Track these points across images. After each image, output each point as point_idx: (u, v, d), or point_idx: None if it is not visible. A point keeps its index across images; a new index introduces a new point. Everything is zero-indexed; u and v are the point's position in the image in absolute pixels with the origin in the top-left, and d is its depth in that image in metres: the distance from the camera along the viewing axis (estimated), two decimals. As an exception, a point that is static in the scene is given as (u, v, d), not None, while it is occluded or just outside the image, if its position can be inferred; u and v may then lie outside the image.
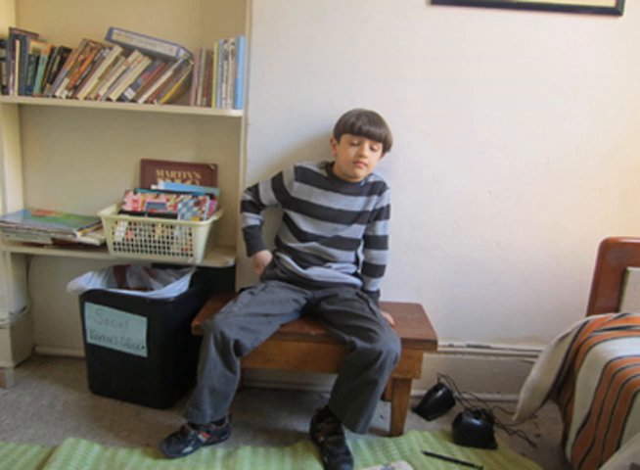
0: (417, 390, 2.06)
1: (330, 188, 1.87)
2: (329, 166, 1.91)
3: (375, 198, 1.89)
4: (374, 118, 1.81)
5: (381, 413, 1.99)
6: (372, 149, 1.81)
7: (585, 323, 1.68)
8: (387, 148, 1.86)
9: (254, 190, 1.94)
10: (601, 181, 2.02)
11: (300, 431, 1.89)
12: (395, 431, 1.87)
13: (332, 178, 1.88)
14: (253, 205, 1.94)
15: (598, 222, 2.04)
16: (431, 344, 1.78)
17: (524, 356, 2.14)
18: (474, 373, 2.16)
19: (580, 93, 1.96)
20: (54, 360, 2.28)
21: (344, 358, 1.68)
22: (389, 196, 1.92)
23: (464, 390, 2.14)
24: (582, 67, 1.94)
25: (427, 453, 1.75)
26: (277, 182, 1.91)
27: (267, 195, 1.92)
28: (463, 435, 1.84)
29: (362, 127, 1.77)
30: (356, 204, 1.88)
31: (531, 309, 2.12)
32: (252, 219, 1.93)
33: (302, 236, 1.88)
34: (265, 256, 1.93)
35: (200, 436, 1.72)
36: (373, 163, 1.83)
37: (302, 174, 1.88)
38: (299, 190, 1.88)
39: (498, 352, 2.15)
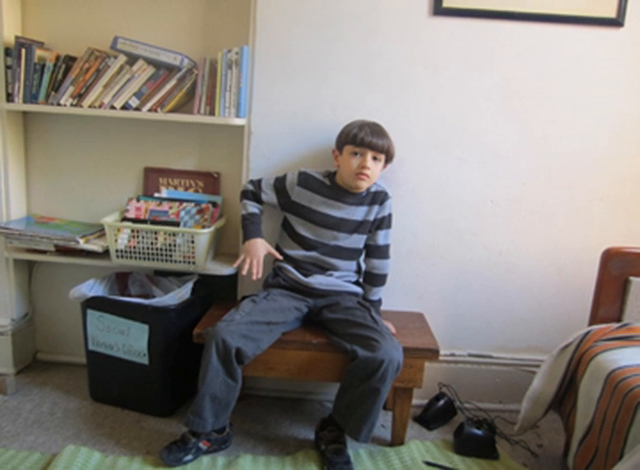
0: (418, 399, 2.05)
1: (331, 196, 1.88)
2: (332, 176, 1.91)
3: (376, 207, 1.90)
4: (376, 130, 1.81)
5: (382, 423, 1.98)
6: (374, 159, 1.81)
7: (587, 333, 1.67)
8: (389, 159, 1.86)
9: (257, 184, 1.93)
10: (603, 191, 2.02)
11: (301, 440, 1.88)
12: (397, 440, 1.86)
13: (334, 187, 1.89)
14: (255, 195, 1.93)
15: (600, 232, 2.04)
16: (432, 353, 1.78)
17: (525, 366, 2.13)
18: (475, 383, 2.16)
19: (582, 103, 1.97)
20: (55, 367, 2.28)
21: (347, 367, 1.68)
22: (391, 205, 1.92)
23: (465, 399, 2.13)
24: (584, 77, 1.95)
25: (428, 463, 1.74)
26: (280, 183, 1.91)
27: (268, 193, 1.91)
28: (464, 445, 1.83)
29: (365, 138, 1.78)
30: (357, 213, 1.88)
31: (533, 319, 2.12)
32: (253, 207, 1.91)
33: (302, 241, 1.88)
34: (259, 244, 1.83)
35: (200, 444, 1.71)
36: (375, 174, 1.83)
37: (305, 180, 1.89)
38: (301, 195, 1.88)
39: (500, 362, 2.14)
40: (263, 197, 1.92)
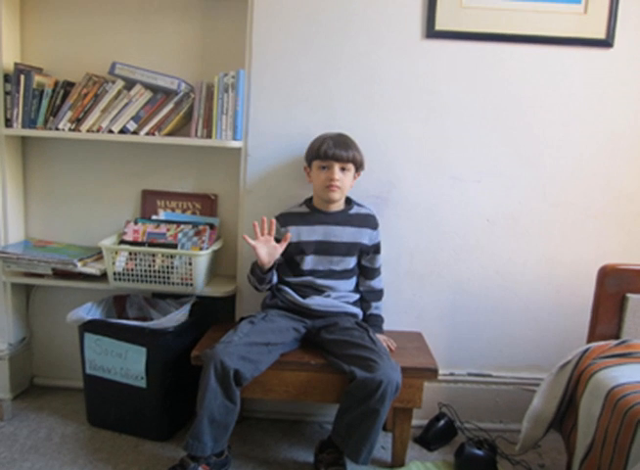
0: (418, 420, 2.03)
1: (315, 222, 1.89)
2: (308, 201, 1.93)
3: (370, 231, 1.92)
4: (339, 141, 1.83)
5: (382, 444, 1.96)
6: (343, 170, 1.83)
7: (586, 350, 1.67)
8: (359, 167, 1.88)
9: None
10: (597, 208, 2.04)
11: (301, 462, 1.86)
12: (397, 462, 1.84)
13: (314, 211, 1.90)
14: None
15: (596, 249, 2.05)
16: (431, 372, 1.77)
17: (525, 385, 2.12)
18: (475, 402, 2.14)
19: (574, 123, 1.99)
20: (52, 392, 2.26)
21: (345, 389, 1.67)
22: None
23: (466, 419, 2.12)
24: (575, 97, 1.98)
25: (429, 485, 1.73)
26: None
27: None
28: (465, 465, 1.81)
29: (328, 151, 1.80)
30: (345, 234, 1.88)
31: (532, 337, 2.11)
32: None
33: (300, 273, 1.90)
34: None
35: (200, 468, 1.69)
36: (346, 184, 1.85)
37: (285, 220, 1.89)
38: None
39: (499, 381, 2.13)
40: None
